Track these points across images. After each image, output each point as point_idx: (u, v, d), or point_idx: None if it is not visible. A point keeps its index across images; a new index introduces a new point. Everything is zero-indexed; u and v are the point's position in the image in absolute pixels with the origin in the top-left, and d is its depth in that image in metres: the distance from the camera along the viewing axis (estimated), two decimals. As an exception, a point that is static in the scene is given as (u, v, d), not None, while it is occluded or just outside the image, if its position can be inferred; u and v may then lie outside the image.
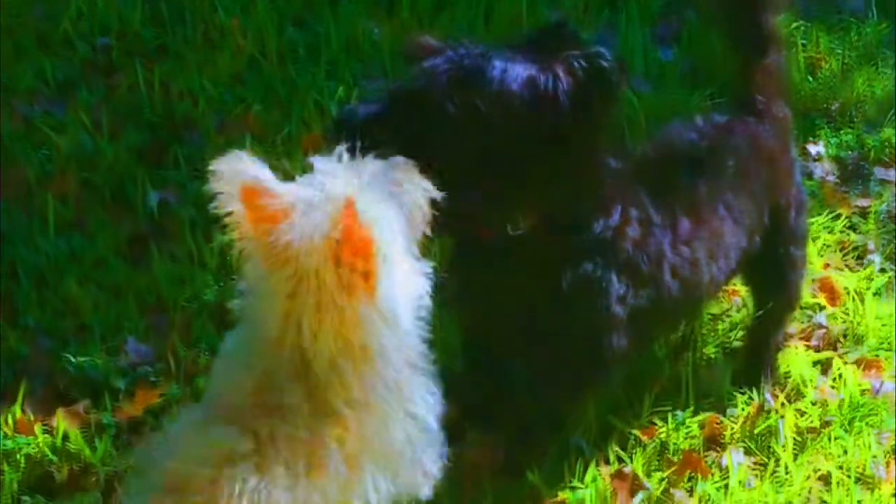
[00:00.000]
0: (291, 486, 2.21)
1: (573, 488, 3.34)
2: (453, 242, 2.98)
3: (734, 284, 3.93)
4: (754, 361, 3.78)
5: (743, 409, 3.64)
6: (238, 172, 2.28)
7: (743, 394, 3.69)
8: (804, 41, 5.33)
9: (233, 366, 2.36)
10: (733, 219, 3.27)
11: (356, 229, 2.11)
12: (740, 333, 3.88)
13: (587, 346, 3.04)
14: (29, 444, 3.38)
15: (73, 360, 3.61)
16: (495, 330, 3.12)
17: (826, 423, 3.63)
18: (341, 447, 2.26)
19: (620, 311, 3.02)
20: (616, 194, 2.96)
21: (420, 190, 2.37)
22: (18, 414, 3.45)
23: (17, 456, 3.36)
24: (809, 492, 3.44)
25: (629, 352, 3.14)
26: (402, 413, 2.36)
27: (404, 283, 2.26)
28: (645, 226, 3.03)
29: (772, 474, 3.47)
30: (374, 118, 2.67)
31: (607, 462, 3.46)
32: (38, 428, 3.41)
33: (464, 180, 2.66)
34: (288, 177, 4.10)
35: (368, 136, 2.65)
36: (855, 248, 4.37)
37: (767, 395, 3.68)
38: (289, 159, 4.30)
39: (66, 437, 3.40)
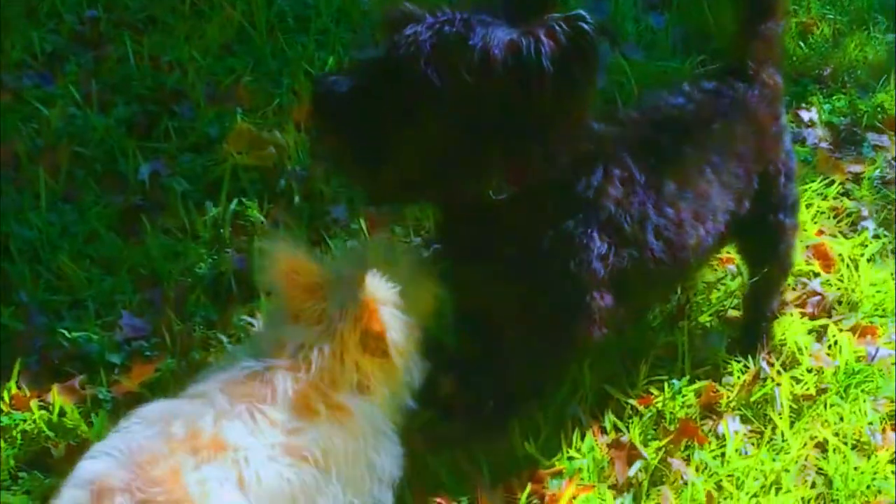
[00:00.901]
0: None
1: (570, 458, 3.35)
2: (437, 210, 2.97)
3: (728, 252, 3.93)
4: (750, 329, 3.78)
5: (739, 378, 3.65)
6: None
7: (739, 362, 3.69)
8: (795, 6, 5.33)
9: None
10: (720, 182, 3.26)
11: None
12: (735, 302, 3.88)
13: (569, 303, 3.04)
14: (25, 420, 3.37)
15: (67, 335, 3.60)
16: (482, 293, 3.11)
17: (822, 391, 3.64)
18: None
19: (601, 268, 3.01)
20: (599, 155, 2.96)
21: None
22: (14, 390, 3.44)
23: (14, 432, 3.35)
24: (806, 459, 3.46)
25: (618, 314, 3.14)
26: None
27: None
28: (628, 185, 3.02)
29: (768, 442, 3.48)
30: (353, 92, 2.66)
31: (604, 432, 3.47)
32: (34, 404, 3.40)
33: (446, 149, 2.67)
34: (279, 148, 4.13)
35: (348, 112, 2.66)
36: (849, 215, 4.38)
37: (763, 363, 3.68)
38: (280, 130, 4.30)
39: (62, 413, 3.39)
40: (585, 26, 2.60)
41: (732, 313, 3.89)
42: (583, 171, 2.93)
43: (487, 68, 2.61)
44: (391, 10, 2.74)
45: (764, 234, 3.57)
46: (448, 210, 3.01)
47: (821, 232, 4.26)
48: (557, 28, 2.60)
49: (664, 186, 3.11)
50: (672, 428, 3.48)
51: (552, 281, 2.99)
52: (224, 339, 3.65)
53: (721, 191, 3.26)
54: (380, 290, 2.62)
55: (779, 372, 3.67)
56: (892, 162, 4.68)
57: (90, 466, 2.41)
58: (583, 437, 3.39)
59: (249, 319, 3.69)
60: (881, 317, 3.93)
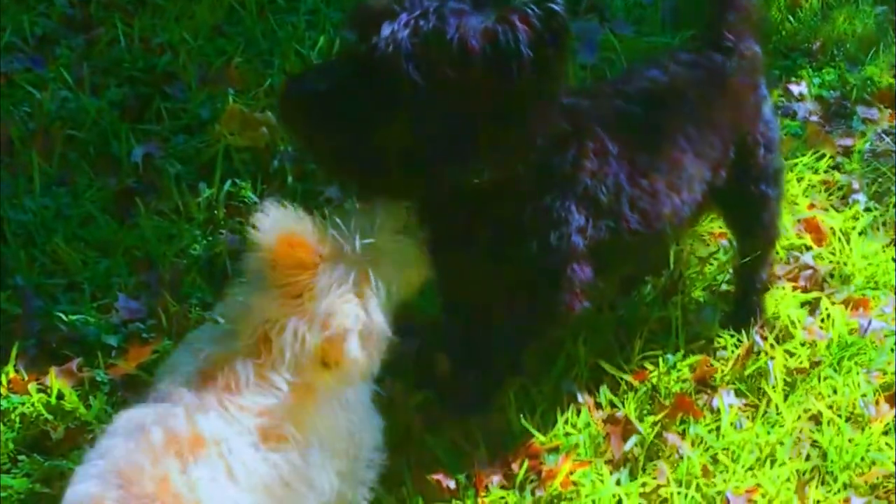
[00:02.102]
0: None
1: (567, 434, 3.37)
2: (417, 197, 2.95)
3: (720, 227, 3.95)
4: (742, 302, 3.80)
5: (733, 352, 3.67)
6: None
7: (732, 336, 3.71)
8: (784, -20, 5.33)
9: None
10: (695, 151, 3.27)
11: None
12: (728, 276, 3.90)
13: (550, 276, 3.06)
14: (24, 404, 3.39)
15: (64, 318, 3.61)
16: (465, 275, 3.13)
17: (815, 364, 3.66)
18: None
19: (580, 241, 3.03)
20: (572, 130, 2.97)
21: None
22: (12, 373, 3.45)
23: (13, 415, 3.36)
24: (800, 432, 3.48)
25: (596, 285, 3.17)
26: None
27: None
28: (601, 157, 3.04)
29: (763, 415, 3.50)
30: (332, 91, 2.69)
31: (599, 407, 3.49)
32: (32, 387, 3.41)
33: (430, 142, 2.68)
34: (271, 129, 4.13)
35: (328, 111, 2.68)
36: (840, 188, 4.40)
37: (757, 337, 3.70)
38: (272, 111, 4.30)
39: (60, 396, 3.40)
40: (557, 8, 2.62)
41: (725, 288, 3.91)
42: (557, 147, 2.94)
43: (466, 59, 2.62)
44: (361, 6, 2.74)
45: (747, 205, 3.58)
46: (427, 198, 2.99)
47: (812, 206, 4.27)
48: (530, 12, 2.62)
49: (637, 158, 3.13)
50: (667, 402, 3.50)
51: (533, 256, 3.01)
52: (220, 320, 3.65)
53: (695, 160, 3.28)
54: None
55: (772, 345, 3.69)
56: (882, 135, 4.70)
57: (80, 491, 2.39)
58: (578, 412, 3.42)
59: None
60: (873, 289, 3.96)
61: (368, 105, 2.65)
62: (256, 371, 2.52)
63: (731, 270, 3.89)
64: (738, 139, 3.41)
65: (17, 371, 3.46)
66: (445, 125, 2.67)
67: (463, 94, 2.64)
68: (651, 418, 3.43)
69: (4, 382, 3.43)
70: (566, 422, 3.40)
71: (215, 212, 3.99)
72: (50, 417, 3.37)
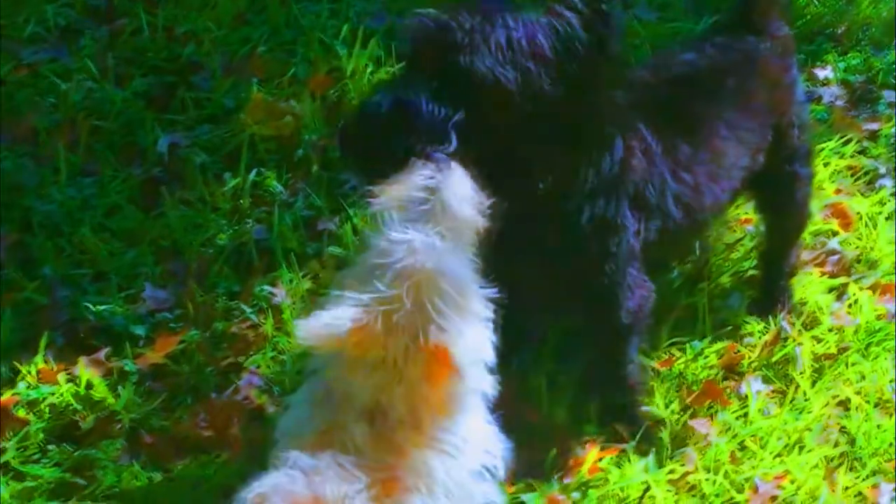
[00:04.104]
0: None
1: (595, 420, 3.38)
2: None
3: (746, 213, 3.94)
4: (769, 287, 3.79)
5: (760, 338, 3.66)
6: None
7: (759, 322, 3.70)
8: (809, -36, 5.30)
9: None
10: (736, 137, 3.26)
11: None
12: (755, 262, 3.89)
13: (614, 283, 3.06)
14: (53, 394, 3.41)
15: (92, 308, 3.62)
16: (529, 285, 3.10)
17: (843, 349, 3.65)
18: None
19: (637, 244, 3.04)
20: (616, 126, 2.96)
21: (477, 208, 2.50)
22: (41, 364, 3.47)
23: (42, 405, 3.39)
24: (828, 418, 3.47)
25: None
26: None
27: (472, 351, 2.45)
28: (648, 157, 3.04)
29: (790, 401, 3.50)
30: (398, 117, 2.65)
31: (627, 394, 3.49)
32: (61, 377, 3.44)
33: (512, 149, 2.69)
34: (296, 118, 4.13)
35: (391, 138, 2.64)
36: (866, 173, 4.37)
37: (784, 323, 3.69)
38: (296, 100, 4.31)
39: (89, 386, 3.42)
40: (603, 6, 2.65)
41: (752, 274, 3.90)
42: (606, 147, 2.93)
43: (540, 55, 2.64)
44: (418, 21, 2.73)
45: (781, 187, 3.57)
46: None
47: (838, 191, 4.25)
48: (579, 4, 2.64)
49: (680, 151, 3.12)
50: (694, 389, 3.49)
51: (595, 262, 3.01)
52: (246, 309, 3.67)
53: (736, 147, 3.27)
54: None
55: (800, 331, 3.68)
56: (909, 119, 4.68)
57: None
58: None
59: (271, 289, 3.71)
60: (901, 274, 3.95)
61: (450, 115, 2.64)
62: (373, 436, 2.42)
63: (757, 256, 3.87)
64: (775, 122, 3.40)
65: (45, 361, 3.48)
66: (530, 128, 2.68)
67: (541, 92, 2.65)
68: (678, 405, 3.43)
69: (34, 373, 3.45)
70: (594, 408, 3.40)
71: (241, 201, 4.00)
72: (79, 407, 3.39)
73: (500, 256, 2.72)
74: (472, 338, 2.41)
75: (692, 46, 3.38)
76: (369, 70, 4.45)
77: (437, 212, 2.41)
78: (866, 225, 4.08)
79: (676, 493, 3.25)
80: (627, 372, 3.30)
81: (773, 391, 3.55)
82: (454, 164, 2.49)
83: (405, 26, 2.79)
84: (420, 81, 2.67)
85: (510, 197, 2.74)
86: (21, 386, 3.42)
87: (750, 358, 3.61)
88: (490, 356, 2.49)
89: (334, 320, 2.34)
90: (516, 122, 2.67)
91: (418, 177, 2.45)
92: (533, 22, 2.66)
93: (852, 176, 4.35)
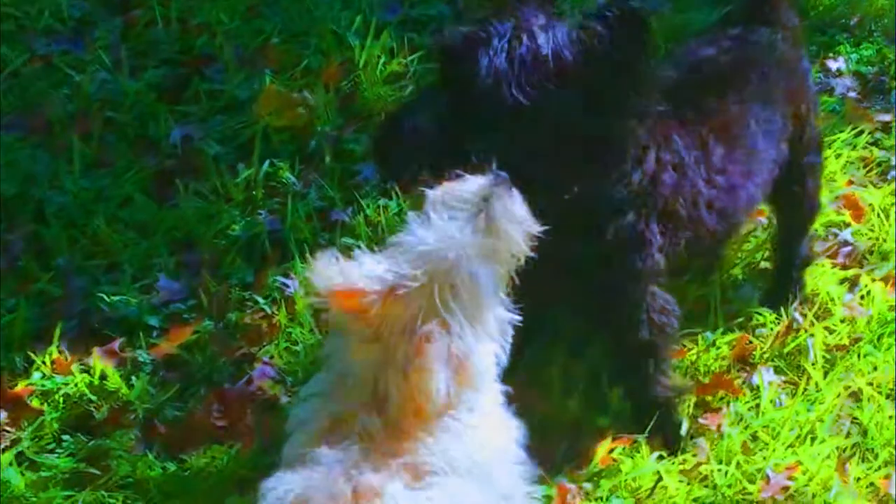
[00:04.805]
0: None
1: (607, 411, 3.39)
2: None
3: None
4: (781, 277, 3.79)
5: (772, 329, 3.66)
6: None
7: (771, 313, 3.70)
8: (822, -45, 5.29)
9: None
10: (764, 131, 3.26)
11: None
12: (767, 254, 3.89)
13: (634, 298, 3.06)
14: (67, 384, 3.42)
15: (106, 299, 3.64)
16: (547, 293, 3.11)
17: (855, 340, 3.65)
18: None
19: (661, 259, 3.03)
20: (649, 138, 2.93)
21: (519, 228, 2.47)
22: (55, 354, 3.49)
23: (56, 396, 3.41)
24: (840, 409, 3.47)
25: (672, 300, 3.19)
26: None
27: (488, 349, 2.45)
28: (680, 170, 3.01)
29: (803, 392, 3.50)
30: (424, 132, 2.68)
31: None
32: (75, 367, 3.46)
33: (531, 160, 2.67)
34: (309, 109, 4.14)
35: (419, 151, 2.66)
36: (878, 164, 4.36)
37: (796, 314, 3.69)
38: (309, 91, 4.32)
39: (103, 376, 3.44)
40: (635, 5, 2.64)
41: (764, 265, 3.90)
42: (637, 160, 2.91)
43: (563, 72, 2.63)
44: (447, 35, 2.74)
45: (795, 176, 3.55)
46: None
47: (850, 182, 4.24)
48: (610, 14, 2.63)
49: (712, 154, 3.11)
50: (706, 380, 3.50)
51: (616, 275, 3.00)
52: (260, 299, 3.68)
53: (765, 140, 3.27)
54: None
55: (812, 322, 3.68)
56: (921, 111, 4.67)
57: None
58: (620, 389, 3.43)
59: (284, 280, 3.72)
60: (913, 265, 3.94)
61: (473, 131, 2.65)
62: (384, 419, 2.39)
63: (770, 247, 3.87)
64: (794, 111, 3.40)
65: (60, 352, 3.50)
66: (549, 141, 2.67)
67: (562, 105, 2.64)
68: (691, 396, 3.43)
69: (48, 363, 3.47)
70: (607, 399, 3.41)
71: (254, 192, 4.02)
72: (93, 397, 3.41)
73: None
74: (475, 343, 2.39)
75: (708, 40, 3.37)
76: (382, 61, 4.47)
77: (482, 218, 2.41)
78: (878, 216, 4.08)
79: (688, 484, 3.25)
80: (656, 385, 3.29)
81: (785, 382, 3.55)
82: (511, 185, 2.48)
83: (436, 40, 2.79)
84: (444, 97, 2.70)
85: (535, 207, 2.74)
86: (36, 376, 3.44)
87: (762, 349, 3.61)
88: (490, 371, 2.47)
89: (343, 273, 2.35)
90: (539, 137, 2.67)
91: (476, 182, 2.45)
92: (562, 35, 2.65)
93: (864, 167, 4.34)
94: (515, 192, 2.48)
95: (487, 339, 2.43)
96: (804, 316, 3.70)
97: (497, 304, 2.45)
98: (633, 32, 2.63)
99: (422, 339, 2.31)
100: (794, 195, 3.62)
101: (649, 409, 3.29)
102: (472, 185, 2.45)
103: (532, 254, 2.48)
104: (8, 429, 3.32)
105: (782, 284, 3.77)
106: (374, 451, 2.35)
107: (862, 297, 3.80)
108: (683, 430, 3.34)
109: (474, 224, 2.40)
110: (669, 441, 3.32)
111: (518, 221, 2.46)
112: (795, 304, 3.72)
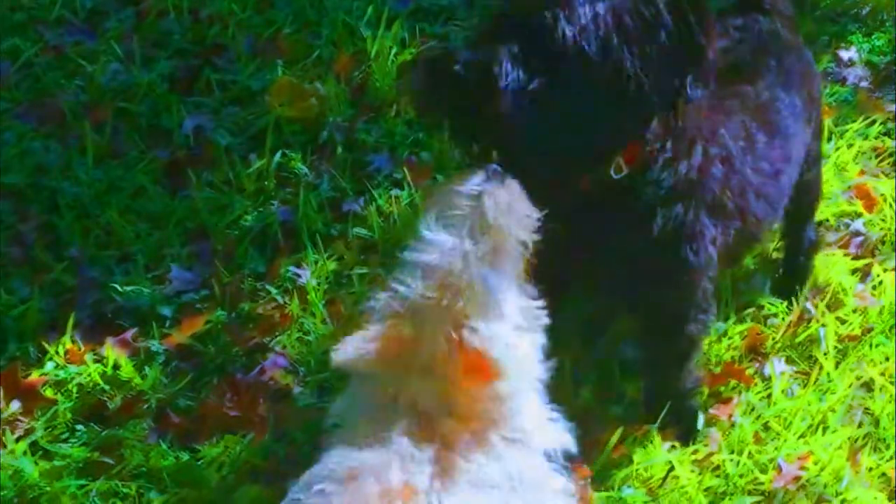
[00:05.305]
0: None
1: (619, 401, 3.40)
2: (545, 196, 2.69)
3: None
4: (791, 264, 3.80)
5: (783, 319, 3.66)
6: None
7: (783, 303, 3.71)
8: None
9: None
10: (791, 115, 3.25)
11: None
12: (778, 244, 3.89)
13: (685, 292, 3.05)
14: (80, 374, 3.43)
15: (119, 289, 3.65)
16: (591, 284, 3.12)
17: (867, 330, 3.65)
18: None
19: (714, 252, 3.01)
20: (695, 130, 2.90)
21: (523, 223, 2.45)
22: (68, 344, 3.50)
23: (70, 385, 3.42)
24: (852, 399, 3.48)
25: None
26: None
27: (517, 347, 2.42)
28: (727, 162, 2.99)
29: (814, 382, 3.50)
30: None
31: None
32: (88, 357, 3.47)
33: (591, 124, 2.65)
34: (321, 100, 4.14)
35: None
36: (890, 154, 4.36)
37: (808, 304, 3.69)
38: (321, 82, 4.32)
39: (116, 366, 3.45)
40: None
41: (775, 255, 3.90)
42: (684, 152, 2.88)
43: (623, 34, 2.60)
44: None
45: (806, 159, 3.55)
46: (559, 195, 2.76)
47: (862, 172, 4.24)
48: None
49: (756, 142, 3.10)
50: (718, 370, 3.50)
51: (667, 269, 2.98)
52: (272, 289, 3.69)
53: (795, 124, 3.26)
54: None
55: (823, 312, 3.68)
56: (934, 100, 4.66)
57: None
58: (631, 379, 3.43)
59: (297, 270, 3.73)
60: (925, 256, 3.94)
61: (549, 87, 2.60)
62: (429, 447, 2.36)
63: (779, 236, 3.87)
64: (808, 94, 3.39)
65: (73, 342, 3.51)
66: (605, 105, 2.63)
67: (619, 73, 2.61)
68: (703, 387, 3.44)
69: (61, 353, 3.48)
70: (619, 389, 3.41)
71: (266, 182, 4.02)
72: (106, 387, 3.42)
73: (558, 248, 2.65)
74: (508, 341, 2.38)
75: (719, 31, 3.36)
76: (393, 51, 4.46)
77: (476, 219, 2.38)
78: (890, 206, 4.07)
79: (700, 474, 3.26)
80: (688, 379, 3.31)
81: (796, 372, 3.56)
82: (507, 177, 2.45)
83: None
84: (504, 40, 2.61)
85: (579, 183, 2.76)
86: (49, 366, 3.45)
87: (773, 339, 3.61)
88: (532, 362, 2.46)
89: (363, 342, 2.36)
90: (594, 96, 2.62)
91: (465, 183, 2.42)
92: (620, 4, 2.61)
93: (877, 157, 4.34)
94: (511, 181, 2.45)
95: (514, 331, 2.41)
96: (816, 306, 3.70)
97: (516, 296, 2.43)
98: (697, 12, 2.60)
99: (463, 353, 2.32)
100: (803, 178, 3.62)
101: (668, 401, 3.29)
102: (461, 187, 2.43)
103: (539, 235, 2.46)
104: (22, 418, 3.33)
105: (792, 271, 3.78)
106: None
107: (874, 287, 3.81)
108: (700, 423, 3.35)
109: (470, 228, 2.38)
110: (685, 432, 3.32)
111: (514, 212, 2.43)
112: (807, 292, 3.72)
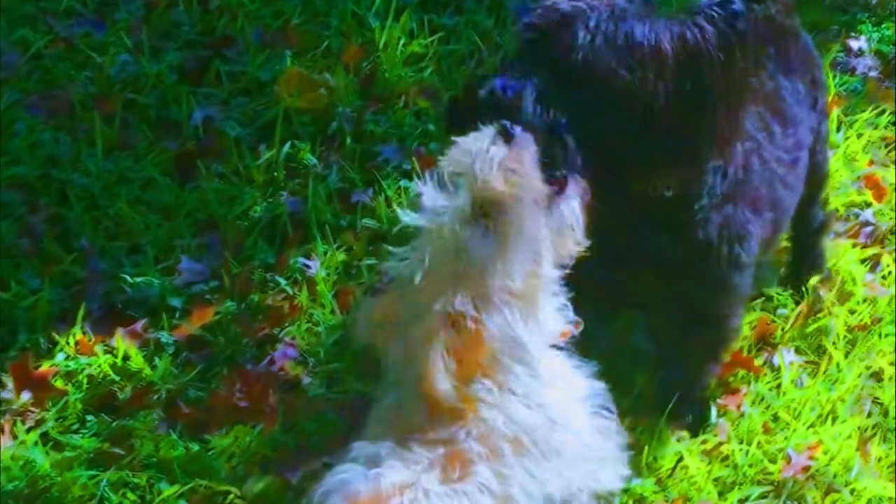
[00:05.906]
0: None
1: (628, 390, 3.38)
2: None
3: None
4: (800, 247, 3.79)
5: (793, 310, 3.66)
6: None
7: (792, 292, 3.70)
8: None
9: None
10: (797, 100, 3.25)
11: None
12: (788, 232, 3.88)
13: (729, 287, 3.05)
14: (91, 365, 3.44)
15: (129, 280, 3.65)
16: (640, 295, 3.11)
17: (876, 320, 3.65)
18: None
19: (756, 247, 3.02)
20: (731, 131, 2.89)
21: (572, 206, 2.45)
22: (79, 335, 3.50)
23: (80, 376, 3.43)
24: (862, 389, 3.48)
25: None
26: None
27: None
28: (758, 155, 3.00)
29: (824, 372, 3.50)
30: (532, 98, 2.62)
31: (660, 365, 3.49)
32: (98, 348, 3.48)
33: (622, 147, 2.65)
34: (330, 91, 4.14)
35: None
36: (900, 144, 4.36)
37: (820, 292, 3.68)
38: (330, 72, 4.32)
39: (126, 357, 3.46)
40: (737, 8, 2.62)
41: (784, 244, 3.89)
42: (728, 154, 2.87)
43: (659, 63, 2.60)
44: (544, 7, 2.70)
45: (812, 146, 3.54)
46: (610, 204, 2.73)
47: (872, 162, 4.24)
48: (715, 14, 2.61)
49: (774, 132, 3.10)
50: (727, 360, 3.49)
51: (720, 270, 2.98)
52: (281, 280, 3.70)
53: (801, 109, 3.26)
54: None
55: (833, 303, 3.68)
56: (943, 90, 4.65)
57: None
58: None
59: (306, 261, 3.74)
60: (935, 245, 3.94)
61: (570, 107, 2.61)
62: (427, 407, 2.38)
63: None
64: (810, 78, 3.38)
65: (83, 333, 3.52)
66: (637, 128, 2.64)
67: (655, 96, 2.61)
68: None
69: (72, 344, 3.49)
70: (628, 378, 3.41)
71: (275, 173, 4.02)
72: (116, 378, 3.43)
73: (604, 265, 2.68)
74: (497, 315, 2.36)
75: (721, 20, 3.34)
76: (402, 42, 4.46)
77: (469, 180, 2.33)
78: (900, 196, 4.08)
79: (709, 464, 3.26)
80: (708, 375, 3.34)
81: (806, 362, 3.56)
82: (520, 135, 2.38)
83: (531, 11, 2.74)
84: (532, 74, 2.64)
85: (623, 203, 2.74)
86: (60, 357, 3.46)
87: (783, 329, 3.61)
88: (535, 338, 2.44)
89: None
90: (627, 127, 2.63)
91: (465, 143, 2.38)
92: (662, 27, 2.61)
93: (886, 147, 4.33)
94: (524, 140, 2.39)
95: (520, 303, 2.39)
96: (825, 296, 3.69)
97: (527, 262, 2.39)
98: (736, 32, 2.61)
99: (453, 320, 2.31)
100: (812, 161, 3.61)
101: (681, 392, 3.29)
102: (461, 147, 2.38)
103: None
104: (32, 409, 3.34)
105: (801, 255, 3.77)
106: (422, 441, 2.35)
107: (883, 277, 3.81)
108: (713, 416, 3.35)
109: (462, 189, 2.34)
110: (696, 423, 3.32)
111: (509, 171, 2.35)
112: (817, 278, 3.72)
